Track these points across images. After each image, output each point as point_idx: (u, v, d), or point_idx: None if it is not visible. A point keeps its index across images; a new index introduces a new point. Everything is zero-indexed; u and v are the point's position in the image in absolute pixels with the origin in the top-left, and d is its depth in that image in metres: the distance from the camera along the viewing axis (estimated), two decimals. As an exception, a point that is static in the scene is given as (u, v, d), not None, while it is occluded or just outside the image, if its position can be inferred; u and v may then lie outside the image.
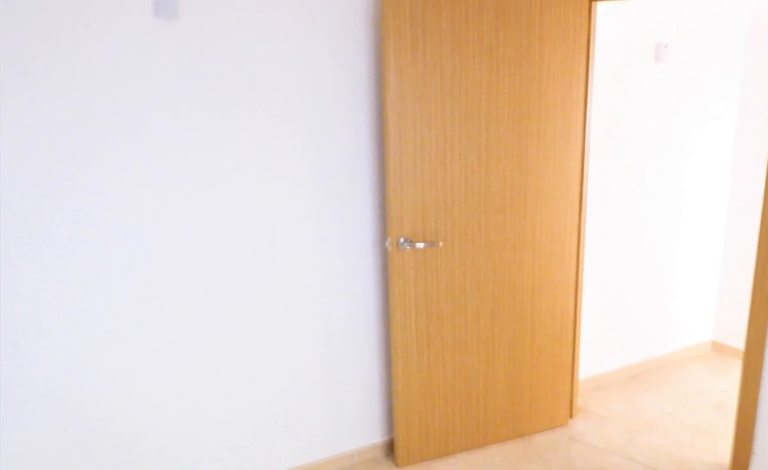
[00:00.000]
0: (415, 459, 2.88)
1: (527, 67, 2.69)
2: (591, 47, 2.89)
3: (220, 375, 2.52)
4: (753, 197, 3.86)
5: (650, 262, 3.77)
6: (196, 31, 2.22)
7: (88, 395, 2.27)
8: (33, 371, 2.16)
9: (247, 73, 2.36)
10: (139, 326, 2.31)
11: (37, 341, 2.14)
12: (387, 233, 2.62)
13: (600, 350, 3.70)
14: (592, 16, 2.86)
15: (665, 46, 3.46)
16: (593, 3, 2.84)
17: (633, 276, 3.72)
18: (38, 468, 2.23)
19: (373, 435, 2.97)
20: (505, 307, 2.90)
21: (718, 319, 4.18)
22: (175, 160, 2.28)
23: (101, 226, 2.18)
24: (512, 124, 2.72)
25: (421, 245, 2.64)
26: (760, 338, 2.54)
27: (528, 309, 2.96)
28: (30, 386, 2.16)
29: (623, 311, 3.73)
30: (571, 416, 3.28)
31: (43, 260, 2.10)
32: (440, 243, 2.69)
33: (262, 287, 2.55)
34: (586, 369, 3.65)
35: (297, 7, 2.39)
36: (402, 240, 2.61)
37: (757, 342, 2.55)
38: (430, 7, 2.45)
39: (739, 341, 4.02)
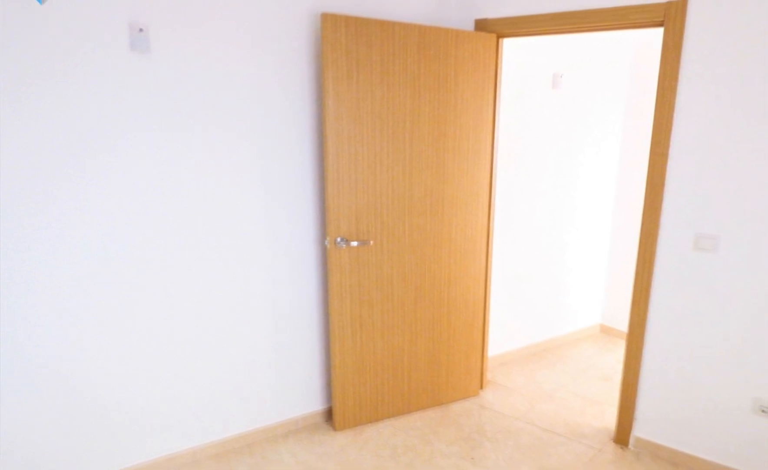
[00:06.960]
0: (350, 423, 3.05)
1: (444, 93, 2.89)
2: (498, 76, 3.10)
3: (184, 352, 2.66)
4: (634, 203, 4.17)
5: (548, 258, 4.02)
6: (165, 64, 2.36)
7: (73, 369, 2.39)
8: (28, 348, 2.28)
9: (208, 100, 2.49)
10: (115, 312, 2.45)
11: (31, 323, 2.27)
12: (326, 233, 2.77)
13: (505, 332, 3.94)
14: (499, 50, 3.08)
15: (561, 76, 3.73)
16: (500, 39, 3.06)
17: (533, 270, 3.97)
18: (32, 431, 2.35)
19: (315, 404, 3.13)
20: (425, 295, 3.09)
21: (605, 305, 4.49)
22: (146, 172, 2.41)
23: (83, 227, 2.31)
24: (432, 141, 2.92)
25: (355, 243, 2.80)
26: (641, 321, 2.77)
27: (445, 297, 3.15)
28: (25, 361, 2.29)
29: (525, 299, 3.98)
30: (481, 387, 3.50)
31: (35, 255, 2.23)
32: (371, 242, 2.86)
33: (220, 279, 2.68)
34: (494, 347, 3.88)
35: (250, 45, 2.56)
36: (339, 239, 2.78)
37: (638, 325, 2.79)
38: (363, 42, 2.64)
39: (622, 325, 4.34)
